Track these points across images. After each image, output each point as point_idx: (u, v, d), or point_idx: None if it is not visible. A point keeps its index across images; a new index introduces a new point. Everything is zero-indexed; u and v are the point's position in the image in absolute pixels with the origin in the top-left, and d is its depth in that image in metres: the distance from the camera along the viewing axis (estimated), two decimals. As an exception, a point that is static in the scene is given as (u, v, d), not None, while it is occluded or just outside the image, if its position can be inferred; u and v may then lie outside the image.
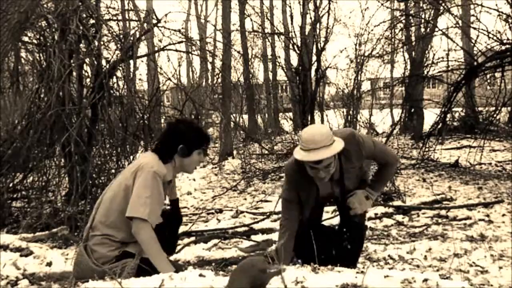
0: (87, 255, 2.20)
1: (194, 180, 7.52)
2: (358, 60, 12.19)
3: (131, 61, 5.39)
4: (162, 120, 12.23)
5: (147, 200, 2.15)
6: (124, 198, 2.21)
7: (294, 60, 10.02)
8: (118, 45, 5.15)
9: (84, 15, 4.93)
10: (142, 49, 11.90)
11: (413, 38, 11.62)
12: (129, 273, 2.13)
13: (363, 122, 13.46)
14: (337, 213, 3.06)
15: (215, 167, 9.02)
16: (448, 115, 8.91)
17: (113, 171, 4.86)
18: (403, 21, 10.16)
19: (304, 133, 2.32)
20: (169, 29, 5.78)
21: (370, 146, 2.47)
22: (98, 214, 2.27)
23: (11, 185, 4.69)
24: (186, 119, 2.82)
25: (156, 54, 7.83)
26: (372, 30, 13.18)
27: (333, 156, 2.29)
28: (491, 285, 2.67)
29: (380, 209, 4.78)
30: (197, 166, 2.51)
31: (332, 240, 2.58)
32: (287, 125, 15.19)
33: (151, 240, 2.16)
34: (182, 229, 4.26)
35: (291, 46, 9.77)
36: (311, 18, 9.11)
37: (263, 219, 4.51)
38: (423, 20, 9.93)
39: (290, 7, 10.08)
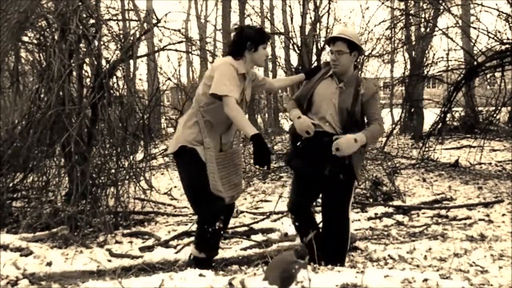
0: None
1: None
2: (358, 60, 12.16)
3: (131, 61, 5.37)
4: (162, 120, 12.24)
5: (227, 82, 2.64)
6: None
7: (294, 60, 9.96)
8: (118, 45, 5.14)
9: (84, 15, 4.91)
10: (142, 49, 11.95)
11: (413, 38, 11.60)
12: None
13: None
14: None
15: (215, 167, 8.98)
16: (448, 115, 8.91)
17: (113, 171, 4.86)
18: (403, 20, 10.15)
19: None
20: (169, 29, 5.75)
21: (377, 100, 2.98)
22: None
23: (11, 185, 4.69)
24: (249, 25, 3.09)
25: (156, 54, 7.81)
26: (372, 29, 13.14)
27: (346, 46, 2.83)
28: (491, 285, 2.67)
29: (380, 209, 4.78)
30: (264, 59, 3.02)
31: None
32: (287, 125, 15.17)
33: (236, 111, 2.64)
34: (182, 229, 4.27)
35: (291, 46, 9.74)
36: (311, 18, 9.09)
37: (263, 219, 4.51)
38: (423, 20, 9.91)
39: (290, 7, 10.05)
